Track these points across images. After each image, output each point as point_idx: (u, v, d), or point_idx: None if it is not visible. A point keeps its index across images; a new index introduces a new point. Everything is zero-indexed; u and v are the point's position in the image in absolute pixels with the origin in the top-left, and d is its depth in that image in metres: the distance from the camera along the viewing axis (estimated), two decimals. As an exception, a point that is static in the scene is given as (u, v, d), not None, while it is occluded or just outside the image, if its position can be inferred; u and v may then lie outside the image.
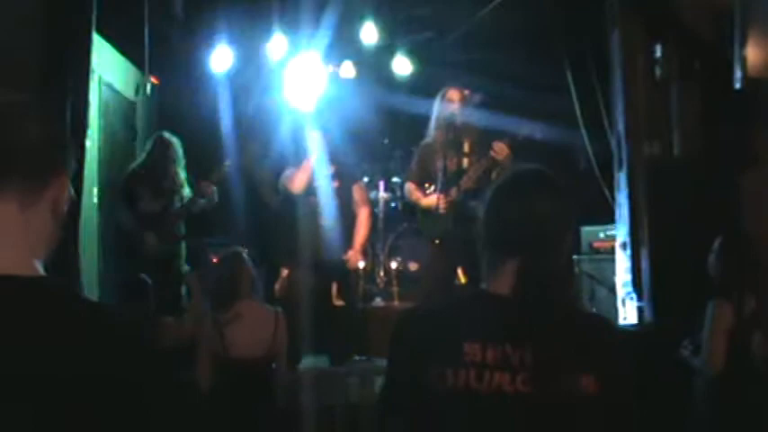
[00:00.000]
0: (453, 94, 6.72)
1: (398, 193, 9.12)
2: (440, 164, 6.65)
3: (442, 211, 6.57)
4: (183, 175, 7.38)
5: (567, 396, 2.02)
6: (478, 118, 6.73)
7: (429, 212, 6.69)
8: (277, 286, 6.97)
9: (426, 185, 6.83)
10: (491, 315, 2.12)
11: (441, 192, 6.60)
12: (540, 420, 2.03)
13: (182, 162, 7.36)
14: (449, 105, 6.70)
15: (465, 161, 6.68)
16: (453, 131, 6.67)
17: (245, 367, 4.90)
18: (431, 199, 6.69)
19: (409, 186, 6.95)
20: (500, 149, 6.34)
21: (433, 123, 6.80)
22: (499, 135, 6.49)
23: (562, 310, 2.14)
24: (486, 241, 2.21)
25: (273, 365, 5.08)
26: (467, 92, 6.78)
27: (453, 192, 6.59)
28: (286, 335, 5.08)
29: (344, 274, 6.95)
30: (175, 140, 7.36)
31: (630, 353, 2.19)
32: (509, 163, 6.26)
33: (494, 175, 6.31)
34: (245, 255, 5.25)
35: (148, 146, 7.44)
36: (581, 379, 2.02)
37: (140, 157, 7.53)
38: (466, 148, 6.70)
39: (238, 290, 5.05)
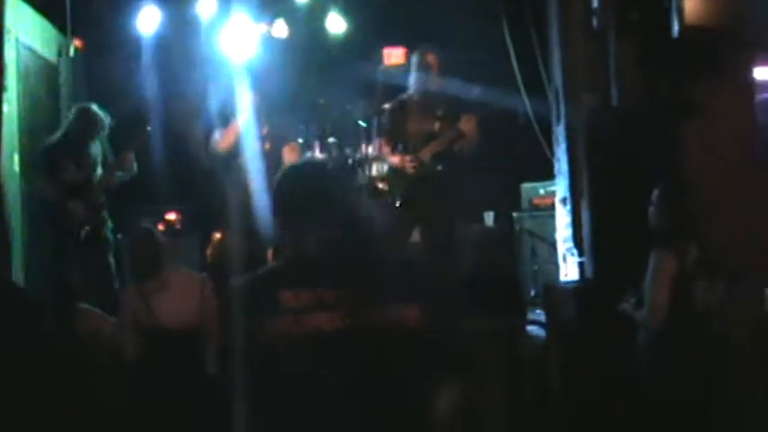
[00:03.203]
0: (431, 58, 6.76)
1: (334, 154, 8.93)
2: (413, 125, 6.75)
3: (409, 171, 6.61)
4: (104, 148, 7.14)
5: (385, 327, 2.23)
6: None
7: (395, 171, 6.74)
8: (209, 251, 6.79)
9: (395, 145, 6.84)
10: (302, 267, 2.36)
11: (410, 152, 6.66)
12: (361, 352, 2.21)
13: (103, 137, 7.09)
14: (427, 70, 6.73)
15: (436, 125, 6.73)
16: (430, 96, 6.75)
17: (173, 336, 4.72)
18: (398, 158, 6.73)
19: (380, 141, 6.97)
20: (468, 124, 6.49)
21: (411, 86, 6.84)
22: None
23: (370, 253, 2.41)
24: (283, 217, 2.49)
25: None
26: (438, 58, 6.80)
27: (423, 154, 6.63)
28: (214, 301, 4.90)
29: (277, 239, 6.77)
30: (99, 115, 7.06)
31: (449, 287, 2.60)
32: (474, 137, 6.51)
33: (457, 145, 6.55)
34: (155, 230, 5.20)
35: (71, 116, 7.14)
36: (401, 311, 2.24)
37: (63, 125, 7.23)
38: (439, 112, 6.74)
39: (159, 261, 4.88)
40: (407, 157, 6.64)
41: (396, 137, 6.84)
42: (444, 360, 2.30)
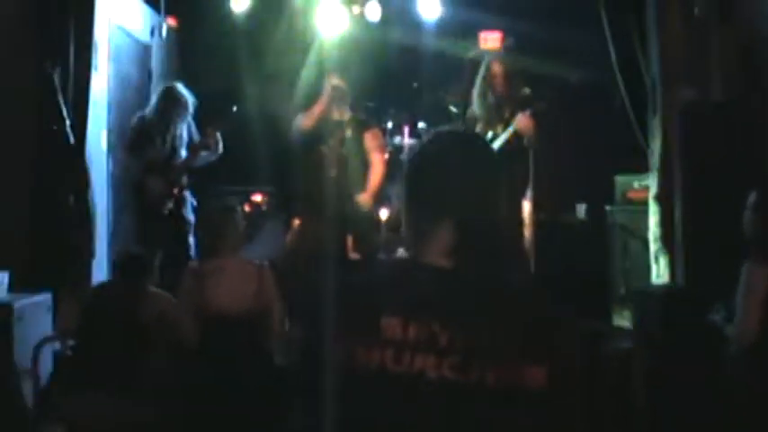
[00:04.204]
0: (496, 66, 6.87)
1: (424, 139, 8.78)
2: (479, 131, 6.74)
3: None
4: (191, 131, 7.13)
5: (506, 388, 1.72)
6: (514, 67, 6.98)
7: None
8: (288, 237, 6.73)
9: None
10: (417, 287, 1.82)
11: None
12: (467, 413, 1.73)
13: (188, 118, 7.06)
14: (492, 77, 6.84)
15: (500, 128, 6.78)
16: (494, 101, 6.83)
17: (226, 321, 4.64)
18: None
19: None
20: (524, 124, 6.60)
21: (476, 92, 6.92)
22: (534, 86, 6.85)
23: (507, 288, 1.85)
24: (412, 201, 1.93)
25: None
26: (504, 67, 6.90)
27: None
28: (275, 289, 4.79)
29: (358, 224, 6.72)
30: (185, 95, 7.02)
31: (584, 346, 1.90)
32: (531, 134, 6.60)
33: (525, 141, 6.66)
34: (236, 209, 4.99)
35: (157, 95, 7.14)
36: (526, 370, 1.73)
37: (150, 104, 7.23)
38: (506, 114, 6.80)
39: (223, 244, 4.80)
40: None
41: None
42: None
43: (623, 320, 6.44)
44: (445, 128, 2.16)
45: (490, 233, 1.87)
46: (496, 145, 6.54)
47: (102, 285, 5.43)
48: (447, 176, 1.88)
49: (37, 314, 5.36)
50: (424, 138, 2.05)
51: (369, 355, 1.76)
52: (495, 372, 1.73)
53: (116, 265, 5.15)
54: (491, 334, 1.75)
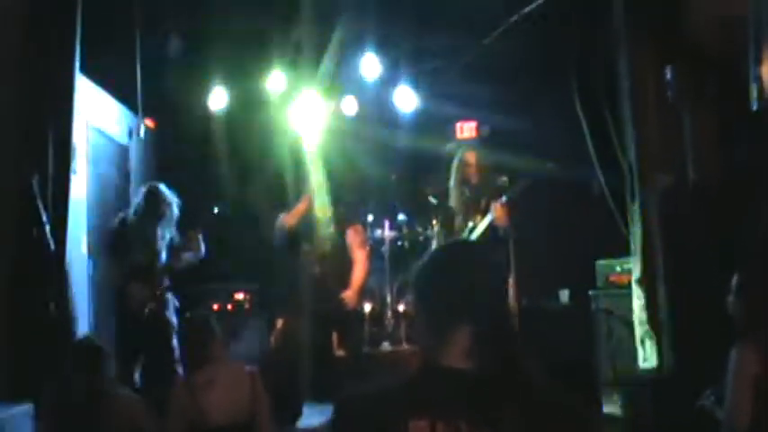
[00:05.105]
0: (470, 156, 7.03)
1: (404, 231, 8.81)
2: (458, 222, 6.96)
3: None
4: (172, 232, 7.04)
5: None
6: (491, 156, 7.22)
7: None
8: (272, 337, 6.68)
9: None
10: (442, 389, 1.88)
11: None
12: None
13: (172, 221, 6.99)
14: (466, 166, 6.99)
15: (478, 218, 6.91)
16: (470, 192, 6.98)
17: None
18: None
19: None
20: (499, 213, 6.72)
21: (452, 183, 7.09)
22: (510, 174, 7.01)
23: (527, 384, 1.91)
24: (430, 308, 2.01)
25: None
26: (477, 156, 7.09)
27: None
28: (265, 394, 4.73)
29: (343, 321, 6.69)
30: (169, 197, 6.96)
31: None
32: (505, 222, 6.72)
33: (501, 231, 6.80)
34: (212, 320, 4.94)
35: (140, 197, 7.08)
36: None
37: (132, 206, 7.19)
38: (482, 204, 6.92)
39: (210, 354, 4.73)
40: None
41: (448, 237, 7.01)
42: None
43: (613, 405, 6.38)
44: (451, 239, 2.43)
45: (505, 334, 1.96)
46: (474, 236, 6.60)
47: (62, 381, 5.09)
48: (460, 284, 1.97)
49: (19, 425, 5.24)
50: (433, 249, 2.18)
51: None
52: None
53: (74, 353, 4.99)
54: (517, 430, 1.80)
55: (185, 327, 5.30)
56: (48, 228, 5.98)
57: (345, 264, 6.77)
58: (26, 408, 5.38)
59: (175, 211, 6.99)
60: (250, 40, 8.45)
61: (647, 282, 6.12)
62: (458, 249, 2.22)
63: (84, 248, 7.21)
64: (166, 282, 6.92)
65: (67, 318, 6.19)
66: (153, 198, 6.94)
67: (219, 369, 4.72)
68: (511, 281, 6.75)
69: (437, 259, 2.12)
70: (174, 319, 6.86)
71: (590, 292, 7.85)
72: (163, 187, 7.02)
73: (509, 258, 6.75)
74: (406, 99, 9.12)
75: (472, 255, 2.12)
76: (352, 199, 8.13)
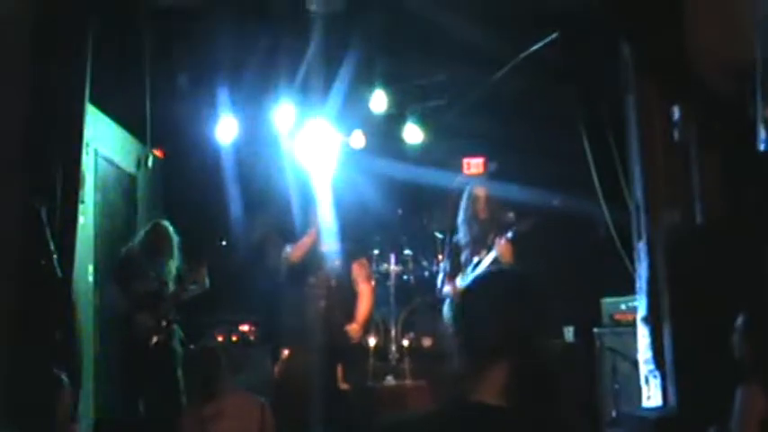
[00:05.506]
0: (480, 191, 7.05)
1: (410, 266, 8.83)
2: (464, 257, 6.97)
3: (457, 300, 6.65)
4: (176, 265, 7.09)
5: None
6: (498, 192, 7.20)
7: (451, 301, 6.92)
8: (276, 368, 6.68)
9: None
10: (477, 427, 1.85)
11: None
12: None
13: (175, 254, 7.06)
14: (475, 202, 7.00)
15: (484, 253, 6.90)
16: (478, 227, 6.97)
17: None
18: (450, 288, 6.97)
19: (447, 281, 7.12)
20: (503, 249, 6.67)
21: (461, 219, 7.07)
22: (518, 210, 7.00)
23: (562, 426, 1.91)
24: (471, 342, 1.98)
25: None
26: (486, 192, 7.11)
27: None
28: (273, 425, 4.73)
29: (347, 354, 6.69)
30: (171, 232, 7.10)
31: None
32: (511, 259, 6.67)
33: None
34: (218, 351, 4.94)
35: (145, 230, 7.17)
36: None
37: (138, 236, 7.24)
38: (489, 240, 6.90)
39: (217, 385, 4.74)
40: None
41: (455, 272, 7.04)
42: None
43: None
44: (490, 268, 2.34)
45: (543, 373, 1.90)
46: (478, 272, 6.58)
47: None
48: (503, 318, 1.93)
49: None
50: (474, 278, 2.21)
51: None
52: None
53: None
54: None
55: (192, 358, 5.32)
56: (55, 256, 6.01)
57: (350, 297, 6.78)
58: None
59: (175, 245, 7.06)
60: (260, 73, 8.50)
61: (652, 320, 6.11)
62: (509, 278, 2.13)
63: (90, 277, 7.22)
64: (173, 312, 6.96)
65: (74, 346, 6.19)
66: (158, 233, 7.07)
67: (227, 400, 4.73)
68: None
69: (487, 287, 2.06)
70: (179, 350, 6.88)
71: (595, 330, 7.83)
72: (166, 223, 7.11)
73: None
74: (414, 134, 9.17)
75: (513, 284, 2.05)
76: (358, 233, 8.16)
